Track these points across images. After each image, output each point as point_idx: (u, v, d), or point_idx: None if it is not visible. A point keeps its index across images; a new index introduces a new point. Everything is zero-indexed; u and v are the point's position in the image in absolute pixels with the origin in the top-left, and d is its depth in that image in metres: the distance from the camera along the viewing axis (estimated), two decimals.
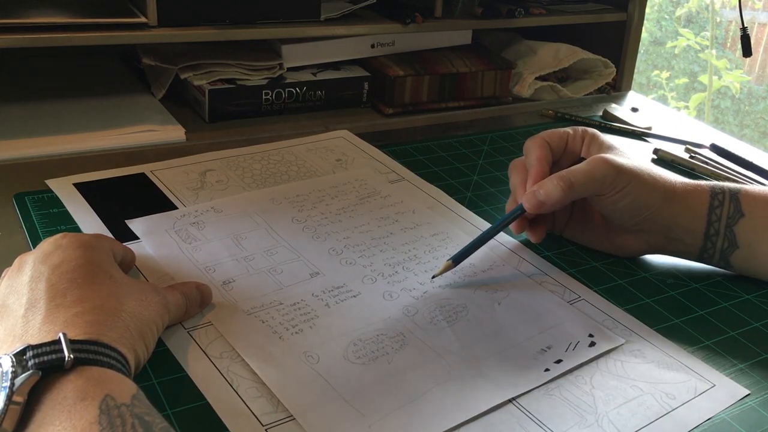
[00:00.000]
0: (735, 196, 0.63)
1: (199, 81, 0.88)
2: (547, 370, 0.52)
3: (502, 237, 0.68)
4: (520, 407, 0.49)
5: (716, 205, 0.62)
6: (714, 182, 0.65)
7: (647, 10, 1.13)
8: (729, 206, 0.62)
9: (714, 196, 0.63)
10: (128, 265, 0.57)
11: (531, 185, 0.62)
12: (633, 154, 0.64)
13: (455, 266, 0.61)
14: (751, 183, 0.85)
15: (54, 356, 0.39)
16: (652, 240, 0.64)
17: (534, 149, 0.64)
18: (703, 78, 2.63)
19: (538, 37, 1.13)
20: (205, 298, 0.55)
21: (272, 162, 0.78)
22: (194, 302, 0.54)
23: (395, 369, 0.51)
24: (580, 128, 0.67)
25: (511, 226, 0.64)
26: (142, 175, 0.73)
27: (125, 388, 0.39)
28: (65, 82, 0.93)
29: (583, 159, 0.65)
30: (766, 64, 2.87)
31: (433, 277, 0.61)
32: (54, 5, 0.82)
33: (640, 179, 0.61)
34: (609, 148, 0.64)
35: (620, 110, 1.04)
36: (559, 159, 0.66)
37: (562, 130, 0.66)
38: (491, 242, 0.67)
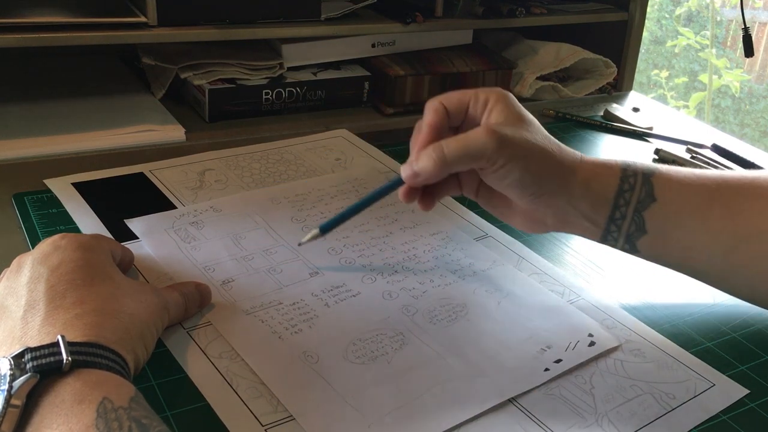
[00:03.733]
0: (648, 179, 0.57)
1: (199, 81, 0.88)
2: (547, 369, 0.52)
3: (502, 236, 0.68)
4: (520, 407, 0.49)
5: (626, 189, 0.56)
6: (628, 161, 0.58)
7: (647, 9, 1.12)
8: (640, 190, 0.56)
9: (625, 179, 0.56)
10: (127, 265, 0.57)
11: (415, 153, 0.56)
12: (538, 127, 0.57)
13: (323, 235, 0.60)
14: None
15: (52, 359, 0.39)
16: (549, 221, 0.58)
17: (427, 114, 0.57)
18: (703, 77, 2.63)
19: (539, 36, 1.13)
20: (205, 297, 0.55)
21: (271, 161, 0.78)
22: (193, 302, 0.53)
23: (395, 369, 0.51)
24: (486, 90, 0.58)
25: (401, 195, 0.58)
26: (141, 175, 0.73)
27: (123, 390, 0.39)
28: (65, 82, 0.93)
29: None
30: (766, 63, 2.87)
31: (300, 244, 0.61)
32: (54, 5, 0.82)
33: (529, 155, 0.54)
34: (513, 116, 0.56)
35: (621, 110, 1.04)
36: (461, 125, 0.58)
37: (463, 92, 0.58)
38: (491, 242, 0.67)
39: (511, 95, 0.58)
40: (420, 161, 0.55)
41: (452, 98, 0.58)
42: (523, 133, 0.55)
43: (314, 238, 0.60)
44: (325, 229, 0.60)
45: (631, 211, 0.56)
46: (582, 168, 0.57)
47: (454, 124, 0.58)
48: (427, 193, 0.59)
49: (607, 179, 0.57)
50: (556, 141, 0.57)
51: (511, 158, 0.53)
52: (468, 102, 0.57)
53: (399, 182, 0.57)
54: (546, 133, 0.57)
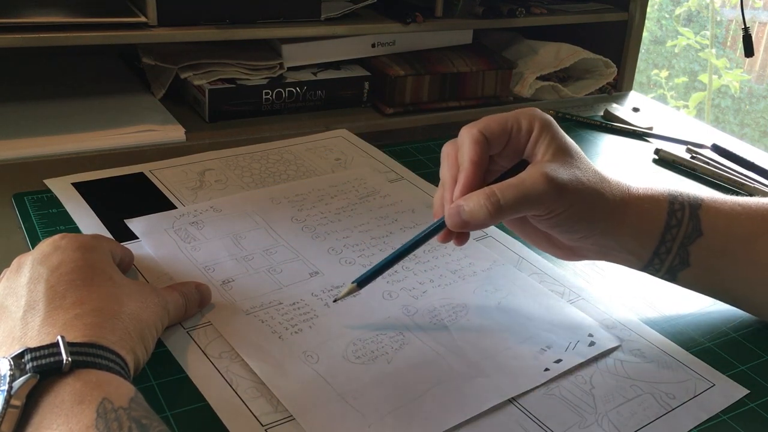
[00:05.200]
0: (695, 212, 0.56)
1: (199, 81, 0.88)
2: (547, 369, 0.52)
3: (502, 236, 0.68)
4: (520, 407, 0.49)
5: (673, 225, 0.55)
6: (674, 192, 0.57)
7: (647, 9, 1.13)
8: (687, 225, 0.55)
9: (672, 213, 0.55)
10: (127, 265, 0.56)
11: (459, 194, 0.53)
12: (585, 161, 0.55)
13: (359, 290, 0.55)
14: (738, 190, 0.84)
15: (52, 359, 0.39)
16: (591, 255, 0.58)
17: (468, 147, 0.54)
18: (703, 77, 2.63)
19: (539, 36, 1.13)
20: (205, 297, 0.55)
21: (271, 161, 0.78)
22: (193, 302, 0.53)
23: (395, 369, 0.51)
24: (527, 115, 0.54)
25: (440, 239, 0.55)
26: (141, 175, 0.73)
27: (123, 391, 0.39)
28: (65, 82, 0.93)
29: (524, 162, 0.55)
30: (766, 63, 2.87)
31: (335, 300, 0.56)
32: (54, 5, 0.82)
33: (582, 199, 0.53)
34: (561, 151, 0.53)
35: (621, 110, 1.04)
36: (500, 153, 0.55)
37: (503, 118, 0.54)
38: (491, 242, 0.67)
39: (553, 122, 0.55)
40: (471, 210, 0.51)
41: (493, 127, 0.54)
42: (576, 172, 0.53)
43: (351, 293, 0.55)
44: (363, 283, 0.55)
45: (677, 246, 0.56)
46: (630, 205, 0.55)
47: (492, 152, 0.55)
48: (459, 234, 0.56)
49: (655, 215, 0.56)
50: (602, 174, 0.55)
51: (569, 205, 0.52)
52: (510, 130, 0.54)
53: (441, 227, 0.54)
54: (591, 164, 0.55)
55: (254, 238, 0.64)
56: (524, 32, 1.15)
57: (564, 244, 0.57)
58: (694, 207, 0.56)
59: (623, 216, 0.55)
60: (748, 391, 0.52)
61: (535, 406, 0.49)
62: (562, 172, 0.52)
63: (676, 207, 0.56)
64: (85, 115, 0.85)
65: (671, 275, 0.58)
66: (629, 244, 0.56)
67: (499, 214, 0.51)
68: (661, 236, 0.56)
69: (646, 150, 0.93)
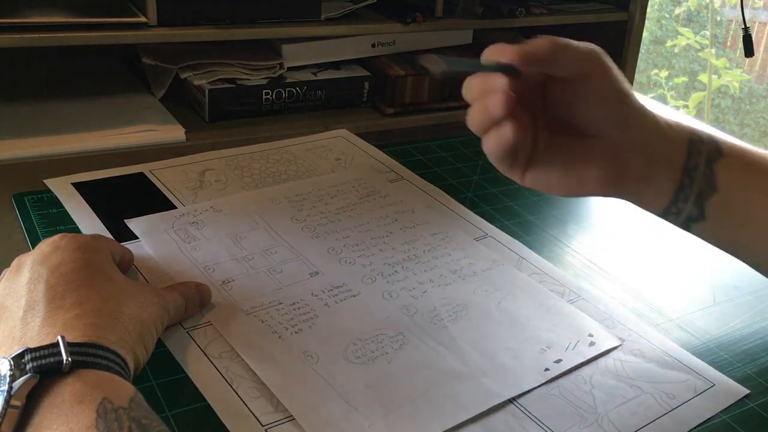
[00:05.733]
0: (713, 137, 0.57)
1: (199, 81, 0.88)
2: (547, 369, 0.52)
3: (502, 236, 0.68)
4: (520, 407, 0.49)
5: (696, 139, 0.56)
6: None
7: (647, 9, 1.13)
8: (709, 143, 0.56)
9: (693, 131, 0.56)
10: (127, 265, 0.56)
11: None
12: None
13: (443, 68, 0.55)
14: None
15: (52, 359, 0.39)
16: (633, 161, 0.55)
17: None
18: (703, 77, 2.64)
19: (539, 36, 1.13)
20: (205, 297, 0.55)
21: (271, 161, 0.78)
22: (193, 302, 0.53)
23: (395, 369, 0.51)
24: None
25: (485, 83, 0.53)
26: (141, 175, 0.73)
27: (123, 391, 0.39)
28: (65, 82, 0.93)
29: None
30: (766, 63, 2.87)
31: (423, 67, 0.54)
32: (54, 5, 0.82)
33: (624, 82, 0.54)
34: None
35: None
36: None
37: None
38: (491, 242, 0.67)
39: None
40: (533, 41, 0.51)
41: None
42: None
43: (435, 63, 0.54)
44: (449, 62, 0.54)
45: (704, 161, 0.55)
46: (658, 115, 0.56)
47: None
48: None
49: (679, 125, 0.56)
50: None
51: (612, 70, 0.53)
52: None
53: (499, 67, 0.52)
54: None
55: (254, 238, 0.64)
56: (524, 32, 1.15)
57: (608, 151, 0.55)
58: (712, 135, 0.57)
59: (653, 116, 0.55)
60: (748, 391, 0.52)
61: (535, 406, 0.49)
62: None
63: (696, 130, 0.57)
64: (85, 115, 0.85)
65: (699, 208, 0.56)
66: (667, 132, 0.55)
67: (556, 46, 0.51)
68: (688, 146, 0.55)
69: None
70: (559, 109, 0.55)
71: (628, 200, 0.57)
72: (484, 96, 0.52)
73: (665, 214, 0.57)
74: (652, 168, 0.55)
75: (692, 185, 0.55)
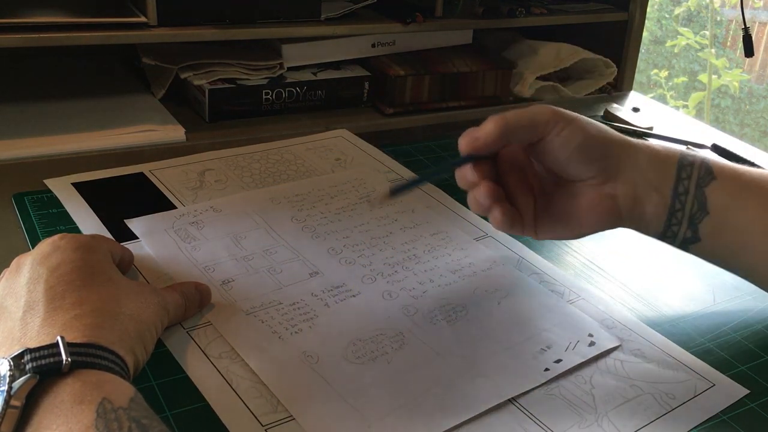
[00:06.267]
0: (705, 160, 0.58)
1: (199, 81, 0.88)
2: (547, 369, 0.52)
3: (502, 236, 0.68)
4: (520, 407, 0.49)
5: (686, 163, 0.57)
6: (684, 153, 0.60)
7: (647, 9, 1.13)
8: (700, 167, 0.57)
9: (683, 155, 0.58)
10: (126, 265, 0.56)
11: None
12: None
13: (391, 198, 0.58)
14: None
15: (52, 360, 0.39)
16: (620, 195, 0.57)
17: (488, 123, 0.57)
18: (703, 77, 2.64)
19: (539, 36, 1.13)
20: (205, 297, 0.55)
21: (271, 161, 0.78)
22: (193, 302, 0.53)
23: (395, 369, 0.51)
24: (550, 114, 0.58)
25: (464, 176, 0.58)
26: (141, 175, 0.73)
27: (123, 391, 0.39)
28: (65, 82, 0.93)
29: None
30: (766, 63, 2.87)
31: (370, 203, 0.59)
32: (54, 5, 0.82)
33: (585, 126, 0.57)
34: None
35: (621, 110, 1.04)
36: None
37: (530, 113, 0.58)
38: (491, 242, 0.67)
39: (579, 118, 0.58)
40: (482, 127, 0.56)
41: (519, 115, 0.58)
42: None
43: (384, 199, 0.58)
44: (395, 192, 0.57)
45: (694, 186, 0.57)
46: (641, 144, 0.59)
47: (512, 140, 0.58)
48: (496, 203, 0.58)
49: (667, 153, 0.59)
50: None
51: (568, 124, 0.56)
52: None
53: (466, 159, 0.57)
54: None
55: (254, 238, 0.64)
56: (524, 32, 1.15)
57: (589, 198, 0.58)
58: (703, 157, 0.59)
59: (636, 148, 0.58)
60: (748, 391, 0.52)
61: (535, 406, 0.49)
62: (561, 109, 0.57)
63: (686, 154, 0.59)
64: (85, 115, 0.85)
65: (693, 230, 0.58)
66: (650, 175, 0.57)
67: (505, 126, 0.56)
68: (677, 173, 0.57)
69: None
70: (544, 166, 0.60)
71: (629, 228, 0.61)
72: (472, 188, 0.58)
73: (663, 238, 0.60)
74: (641, 198, 0.58)
75: (684, 209, 0.57)
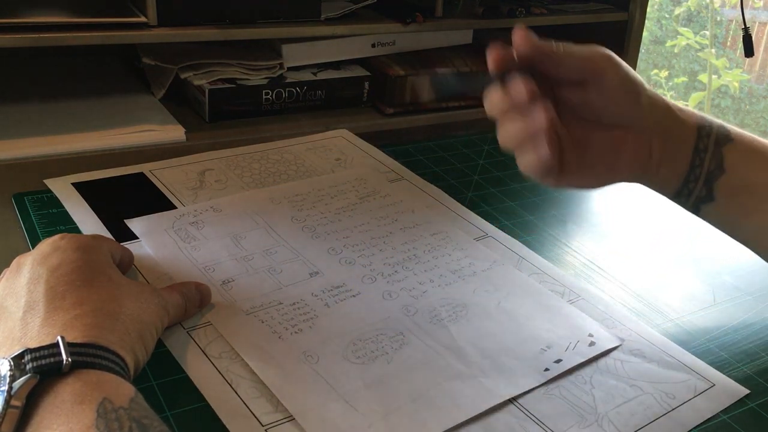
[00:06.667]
0: (722, 125, 0.60)
1: (199, 81, 0.88)
2: (547, 369, 0.52)
3: (502, 236, 0.68)
4: (520, 407, 0.49)
5: (706, 123, 0.59)
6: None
7: (647, 9, 1.12)
8: (718, 129, 0.59)
9: (703, 116, 0.60)
10: (126, 265, 0.56)
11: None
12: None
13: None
14: None
15: (52, 360, 0.39)
16: (655, 145, 0.58)
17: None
18: (703, 77, 2.64)
19: (539, 36, 1.13)
20: (205, 297, 0.55)
21: (271, 161, 0.78)
22: (193, 302, 0.53)
23: (395, 369, 0.51)
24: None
25: (519, 91, 0.53)
26: (141, 175, 0.73)
27: (123, 391, 0.39)
28: (65, 82, 0.93)
29: None
30: (766, 63, 2.87)
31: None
32: (54, 5, 0.82)
33: (635, 74, 0.58)
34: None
35: None
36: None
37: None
38: (491, 242, 0.67)
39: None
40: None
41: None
42: None
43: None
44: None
45: (713, 143, 0.58)
46: (670, 102, 0.60)
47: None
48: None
49: (689, 111, 0.60)
50: None
51: (624, 66, 0.56)
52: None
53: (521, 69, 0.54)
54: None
55: (254, 238, 0.64)
56: None
57: (622, 140, 0.57)
58: (720, 123, 0.60)
59: (665, 103, 0.59)
60: (748, 391, 0.52)
61: (535, 406, 0.49)
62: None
63: (705, 116, 0.60)
64: (85, 115, 0.85)
65: (708, 189, 0.59)
66: (674, 127, 0.58)
67: (565, 48, 0.54)
68: (697, 130, 0.58)
69: None
70: (578, 110, 0.57)
71: (645, 184, 0.60)
72: (520, 110, 0.53)
73: (677, 196, 0.60)
74: (669, 150, 0.58)
75: (702, 166, 0.58)
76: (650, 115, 0.57)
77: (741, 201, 0.59)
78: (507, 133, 0.54)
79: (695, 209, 0.60)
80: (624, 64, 0.57)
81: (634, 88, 0.57)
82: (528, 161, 0.54)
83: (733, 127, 0.60)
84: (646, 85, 0.58)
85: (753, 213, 0.59)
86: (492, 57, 0.54)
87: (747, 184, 0.58)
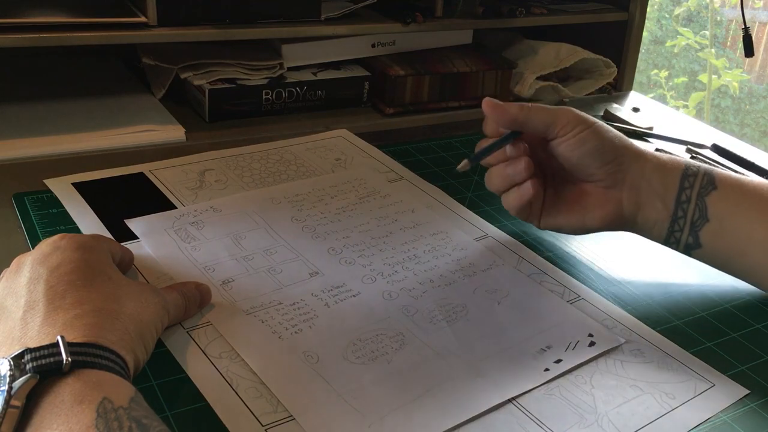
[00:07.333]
0: (708, 171, 0.62)
1: (199, 81, 0.88)
2: (547, 369, 0.52)
3: (502, 237, 0.68)
4: (520, 407, 0.49)
5: (690, 174, 0.61)
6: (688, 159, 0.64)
7: (647, 9, 1.13)
8: (702, 178, 0.61)
9: (688, 166, 0.62)
10: (127, 265, 0.56)
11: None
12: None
13: (470, 165, 0.62)
14: None
15: (52, 360, 0.39)
16: (625, 199, 0.62)
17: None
18: (703, 77, 2.63)
19: (539, 36, 1.13)
20: (205, 297, 0.55)
21: (271, 161, 0.78)
22: (193, 302, 0.53)
23: (395, 369, 0.51)
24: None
25: (503, 151, 0.63)
26: (141, 175, 0.73)
27: (123, 391, 0.39)
28: (65, 82, 0.93)
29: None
30: (766, 63, 2.87)
31: (458, 169, 0.62)
32: (54, 5, 0.82)
33: (603, 131, 0.62)
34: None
35: (621, 110, 1.04)
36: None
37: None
38: (491, 242, 0.67)
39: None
40: (508, 104, 0.62)
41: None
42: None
43: (465, 167, 0.62)
44: (473, 160, 0.63)
45: (695, 195, 0.61)
46: (650, 152, 0.63)
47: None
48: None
49: (672, 163, 0.62)
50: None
51: (588, 126, 0.61)
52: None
53: (513, 134, 0.63)
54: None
55: (254, 238, 0.64)
56: (524, 32, 1.15)
57: (595, 196, 0.63)
58: (707, 167, 0.62)
59: (644, 156, 0.62)
60: (748, 391, 0.52)
61: (535, 406, 0.49)
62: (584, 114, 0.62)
63: (690, 164, 0.62)
64: (85, 115, 0.85)
65: (694, 236, 0.61)
66: (654, 182, 0.61)
67: (527, 112, 0.61)
68: (680, 182, 0.61)
69: None
70: (559, 162, 0.63)
71: (631, 232, 0.65)
72: (504, 162, 0.63)
73: (666, 243, 0.64)
74: (644, 204, 0.62)
75: (685, 217, 0.61)
76: (623, 172, 0.62)
77: (728, 246, 0.61)
78: (497, 177, 0.64)
79: (687, 254, 0.63)
80: (597, 125, 0.62)
81: (599, 147, 0.61)
82: (510, 199, 0.64)
83: (721, 173, 0.62)
84: (622, 141, 0.62)
85: (740, 256, 0.61)
86: (486, 106, 0.63)
87: (732, 231, 0.60)
